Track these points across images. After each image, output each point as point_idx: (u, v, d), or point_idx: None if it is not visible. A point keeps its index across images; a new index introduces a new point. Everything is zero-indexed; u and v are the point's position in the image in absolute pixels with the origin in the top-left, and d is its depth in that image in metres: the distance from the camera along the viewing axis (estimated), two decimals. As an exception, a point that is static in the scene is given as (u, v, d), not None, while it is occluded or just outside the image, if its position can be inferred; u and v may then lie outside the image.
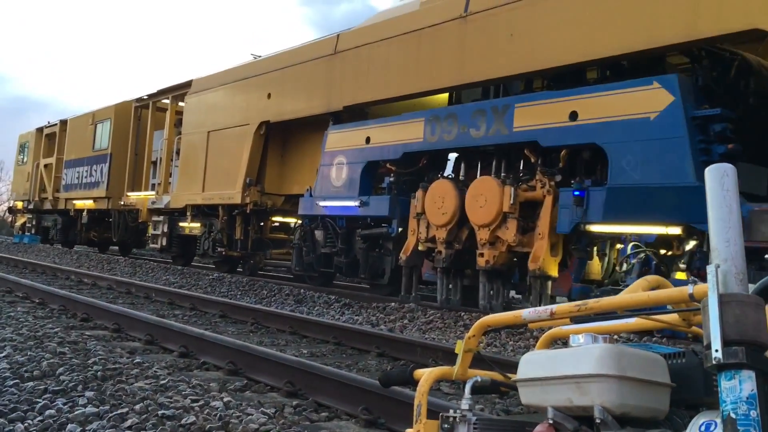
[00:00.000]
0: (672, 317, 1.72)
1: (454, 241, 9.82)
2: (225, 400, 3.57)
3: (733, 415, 1.11)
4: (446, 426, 1.79)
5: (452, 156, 10.75)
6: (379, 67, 11.14)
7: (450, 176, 10.29)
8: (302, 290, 11.48)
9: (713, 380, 1.33)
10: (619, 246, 8.41)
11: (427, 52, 10.28)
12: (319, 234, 12.23)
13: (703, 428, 1.38)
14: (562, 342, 1.87)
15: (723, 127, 7.17)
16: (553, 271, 8.56)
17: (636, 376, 1.49)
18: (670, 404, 1.55)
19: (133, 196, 19.21)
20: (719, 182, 1.26)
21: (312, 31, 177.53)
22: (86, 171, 21.66)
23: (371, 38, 11.41)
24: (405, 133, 10.59)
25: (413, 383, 1.98)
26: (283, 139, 14.43)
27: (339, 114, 12.14)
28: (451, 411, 1.80)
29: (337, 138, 11.97)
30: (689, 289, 1.41)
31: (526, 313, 1.75)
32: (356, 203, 11.22)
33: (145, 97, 19.62)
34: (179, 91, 17.64)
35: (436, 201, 9.88)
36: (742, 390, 1.11)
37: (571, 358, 1.55)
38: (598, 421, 1.48)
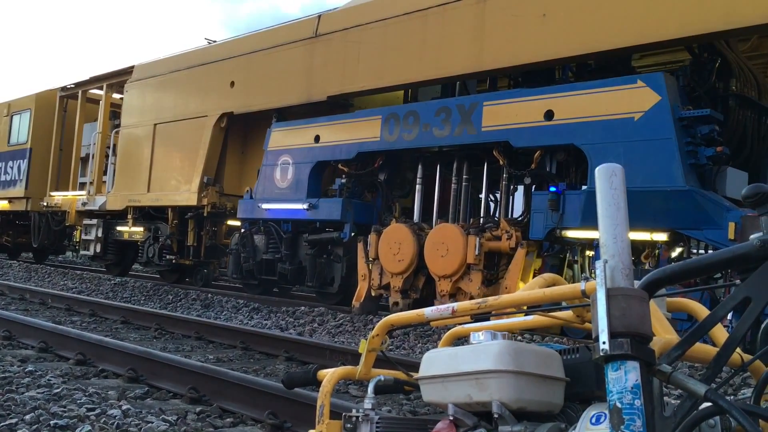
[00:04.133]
0: (567, 314, 1.80)
1: (410, 289, 9.49)
2: (124, 408, 3.49)
3: (618, 405, 1.19)
4: (349, 426, 1.82)
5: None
6: (374, 52, 10.21)
7: (405, 221, 9.81)
8: (209, 294, 11.21)
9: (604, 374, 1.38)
10: (589, 253, 8.21)
11: (436, 34, 9.42)
12: (259, 239, 11.72)
13: (593, 420, 1.46)
14: (464, 340, 1.90)
15: (710, 129, 7.12)
16: None
17: (532, 371, 1.54)
18: (565, 398, 1.61)
19: (59, 197, 17.62)
20: (608, 181, 1.35)
21: (219, 29, 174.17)
22: (0, 168, 20.18)
23: (364, 19, 10.48)
24: (360, 132, 10.17)
25: (317, 384, 1.98)
26: (243, 134, 13.44)
27: (283, 110, 11.65)
28: (354, 411, 1.81)
29: (281, 136, 11.45)
30: (581, 285, 1.47)
31: (428, 311, 1.80)
32: (305, 206, 10.74)
33: (72, 86, 17.89)
34: (116, 78, 16.20)
35: (392, 247, 9.50)
36: (627, 380, 1.20)
37: (470, 355, 1.62)
38: (496, 416, 1.54)
